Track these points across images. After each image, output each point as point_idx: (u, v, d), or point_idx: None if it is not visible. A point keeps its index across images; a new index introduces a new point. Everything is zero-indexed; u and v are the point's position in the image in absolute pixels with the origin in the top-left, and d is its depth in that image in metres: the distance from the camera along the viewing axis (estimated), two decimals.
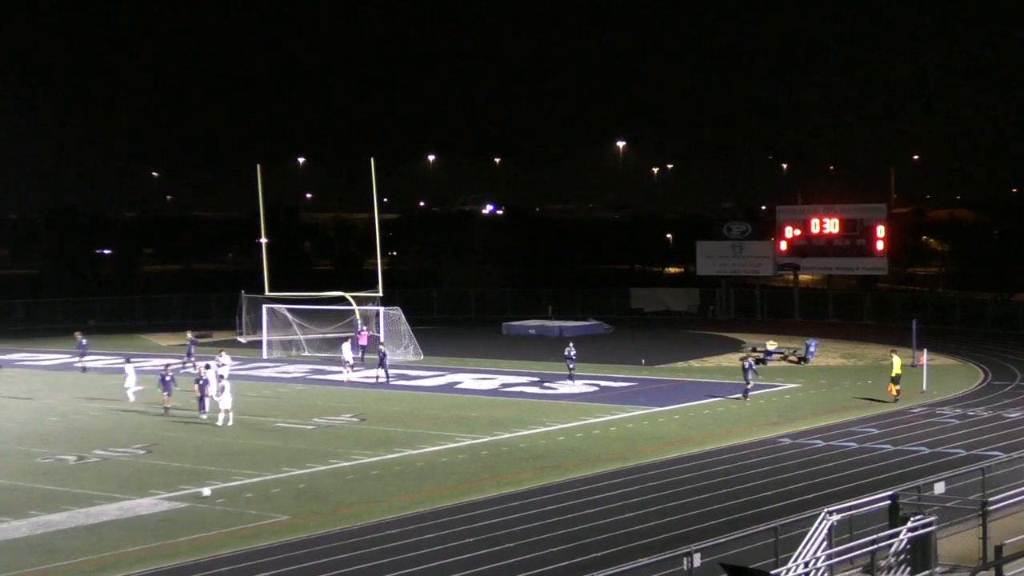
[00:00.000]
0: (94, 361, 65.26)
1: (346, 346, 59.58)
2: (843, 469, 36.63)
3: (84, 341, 63.86)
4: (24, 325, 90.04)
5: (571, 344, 57.57)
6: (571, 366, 55.60)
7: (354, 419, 46.72)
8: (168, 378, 47.47)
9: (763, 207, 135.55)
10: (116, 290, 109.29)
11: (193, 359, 63.83)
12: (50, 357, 70.11)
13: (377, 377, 56.95)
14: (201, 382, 47.29)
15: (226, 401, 45.09)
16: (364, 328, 66.53)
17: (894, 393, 50.40)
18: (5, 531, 29.97)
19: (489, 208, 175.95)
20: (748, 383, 50.82)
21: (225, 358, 53.69)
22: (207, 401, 46.98)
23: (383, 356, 57.92)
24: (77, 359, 63.64)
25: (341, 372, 58.72)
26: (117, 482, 35.56)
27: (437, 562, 26.86)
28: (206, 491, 34.85)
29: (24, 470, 37.51)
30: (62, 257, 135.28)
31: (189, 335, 66.02)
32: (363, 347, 65.20)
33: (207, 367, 49.53)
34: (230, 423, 44.62)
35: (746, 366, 51.48)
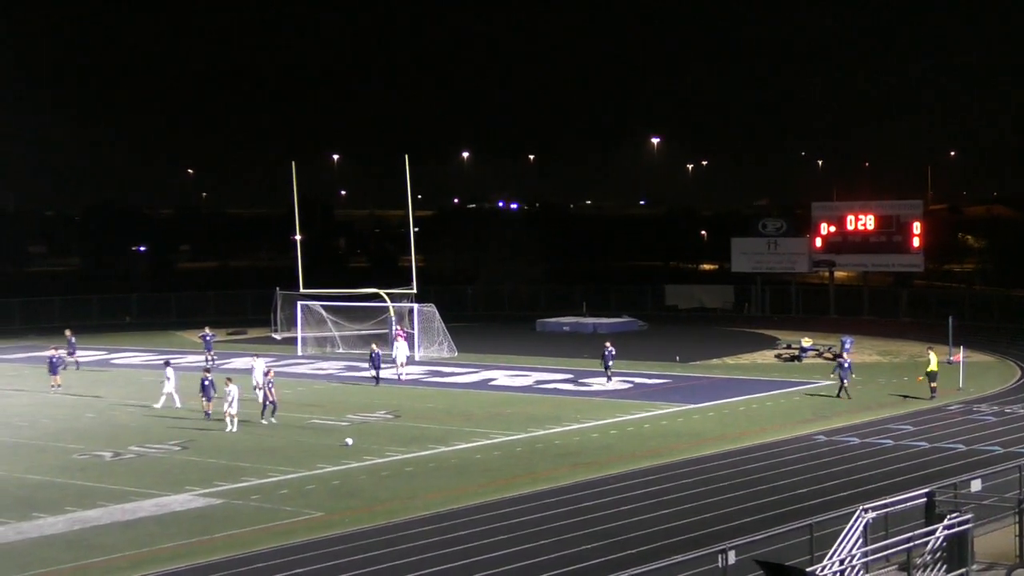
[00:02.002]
0: (84, 358, 65.50)
1: (400, 344, 59.43)
2: (879, 466, 36.46)
3: (73, 339, 63.93)
4: (61, 322, 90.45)
5: (608, 343, 56.47)
6: (608, 365, 54.87)
7: (388, 416, 46.78)
8: (208, 383, 46.16)
9: (798, 204, 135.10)
10: (152, 287, 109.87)
11: (212, 353, 64.20)
12: (87, 354, 70.38)
13: (375, 379, 55.47)
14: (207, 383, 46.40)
15: (233, 406, 43.38)
16: (399, 327, 66.55)
17: (920, 380, 50.30)
18: (41, 527, 30.14)
19: (513, 206, 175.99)
20: (845, 381, 50.15)
21: (259, 363, 50.85)
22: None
23: (376, 356, 55.64)
24: (68, 356, 63.61)
25: (393, 370, 58.21)
26: (153, 478, 35.72)
27: (471, 559, 26.88)
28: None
29: (60, 466, 37.73)
30: (99, 254, 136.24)
31: (206, 331, 66.20)
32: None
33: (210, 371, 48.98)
34: (235, 428, 43.28)
35: (845, 364, 50.71)
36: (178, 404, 48.42)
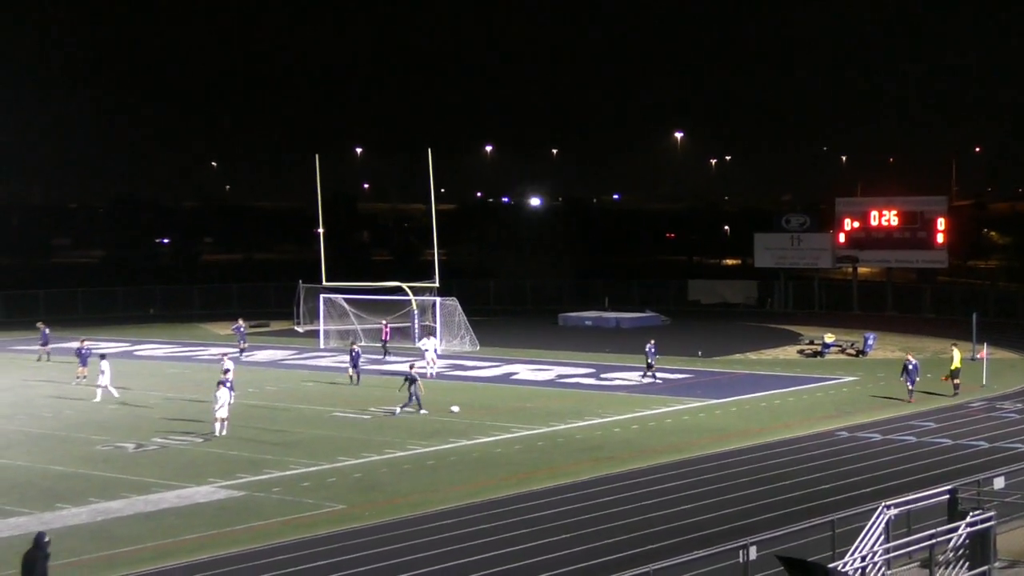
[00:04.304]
0: (108, 350, 65.90)
1: (430, 341, 59.23)
2: (901, 463, 36.36)
3: (47, 331, 64.53)
4: (85, 314, 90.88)
5: (652, 341, 55.34)
6: (650, 361, 54.08)
7: (410, 409, 46.79)
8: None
9: (822, 199, 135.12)
10: (175, 279, 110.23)
11: (245, 344, 64.75)
12: (111, 345, 70.68)
13: (351, 378, 53.79)
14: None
15: (222, 409, 41.27)
16: (385, 322, 66.50)
17: (944, 379, 50.05)
18: (65, 517, 30.27)
19: (537, 201, 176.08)
20: (911, 383, 48.36)
21: (228, 363, 47.40)
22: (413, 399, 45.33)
23: (356, 355, 54.02)
24: (39, 347, 64.23)
25: (424, 367, 57.02)
26: (175, 470, 35.84)
27: (492, 552, 26.90)
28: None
29: (83, 457, 37.88)
30: (123, 246, 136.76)
31: (239, 322, 66.47)
32: (384, 342, 64.84)
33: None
34: (224, 432, 40.98)
35: (910, 367, 48.53)
36: (115, 395, 48.83)
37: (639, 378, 54.39)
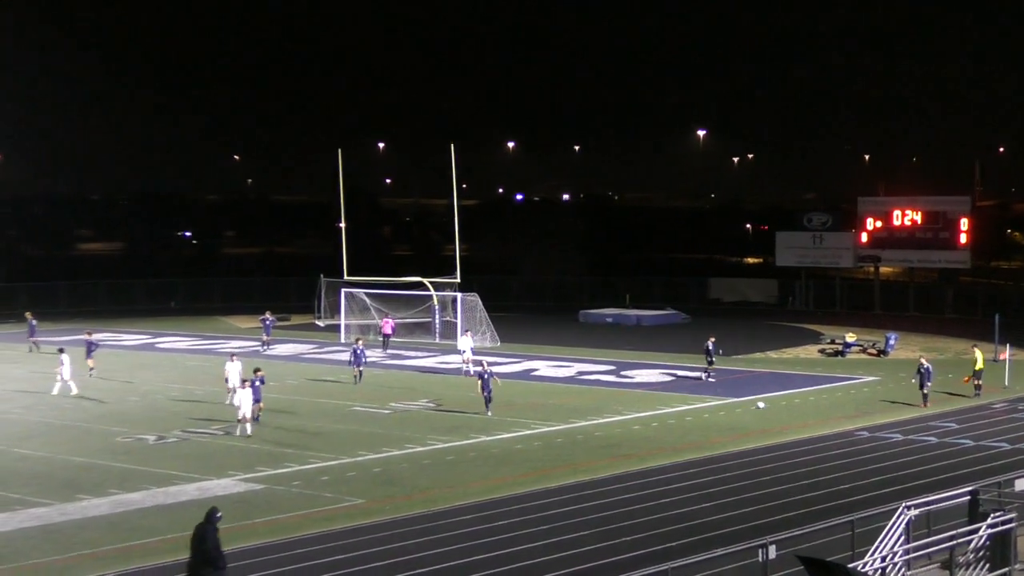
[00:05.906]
0: (129, 342, 66.47)
1: (464, 339, 59.01)
2: (922, 464, 36.24)
3: (34, 322, 65.27)
4: (106, 305, 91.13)
5: (713, 339, 54.47)
6: (711, 360, 53.67)
7: (430, 404, 46.84)
8: (257, 384, 42.26)
9: (844, 198, 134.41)
10: (197, 272, 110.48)
11: (269, 337, 65.00)
12: (132, 338, 70.94)
13: (354, 376, 52.62)
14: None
15: (245, 407, 40.45)
16: (387, 316, 66.39)
17: (966, 381, 49.78)
18: (85, 508, 30.36)
19: (567, 195, 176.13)
20: (925, 387, 47.02)
21: (235, 365, 45.86)
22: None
23: (360, 353, 52.95)
24: (28, 338, 65.03)
25: (461, 366, 56.89)
26: (195, 462, 35.91)
27: (511, 548, 26.88)
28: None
29: (104, 449, 37.99)
30: (144, 239, 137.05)
31: (267, 315, 66.60)
32: (387, 336, 64.76)
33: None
34: (249, 432, 40.09)
35: (922, 370, 47.27)
36: (74, 391, 48.80)
37: (703, 376, 53.90)
